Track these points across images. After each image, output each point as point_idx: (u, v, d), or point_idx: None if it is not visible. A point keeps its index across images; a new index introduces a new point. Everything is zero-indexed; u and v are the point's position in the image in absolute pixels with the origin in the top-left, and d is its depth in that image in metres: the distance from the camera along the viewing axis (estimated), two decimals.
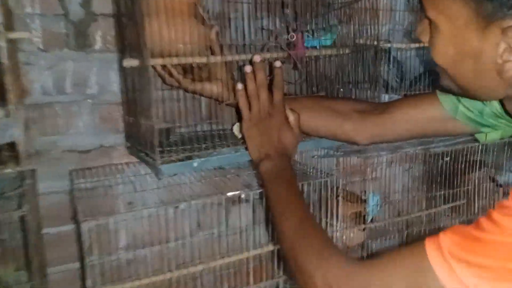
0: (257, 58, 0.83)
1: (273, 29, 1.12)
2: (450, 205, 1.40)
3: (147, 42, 0.77)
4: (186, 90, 0.96)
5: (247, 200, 1.26)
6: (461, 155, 1.39)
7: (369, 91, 1.07)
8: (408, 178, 1.52)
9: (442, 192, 1.42)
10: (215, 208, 1.23)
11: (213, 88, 0.91)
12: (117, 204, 1.04)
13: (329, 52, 1.02)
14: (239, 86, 0.84)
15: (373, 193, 1.28)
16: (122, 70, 1.02)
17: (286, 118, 0.85)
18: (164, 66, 0.91)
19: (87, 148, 1.08)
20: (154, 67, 0.94)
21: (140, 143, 0.91)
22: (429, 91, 1.12)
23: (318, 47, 0.99)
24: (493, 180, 1.45)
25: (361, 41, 1.07)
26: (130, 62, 0.87)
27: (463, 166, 1.43)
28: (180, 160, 0.81)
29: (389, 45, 1.04)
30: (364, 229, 1.23)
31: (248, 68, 0.84)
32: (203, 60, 0.86)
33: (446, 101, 0.80)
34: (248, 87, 0.84)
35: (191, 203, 0.83)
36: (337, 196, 0.96)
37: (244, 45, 1.04)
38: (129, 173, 1.08)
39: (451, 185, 1.44)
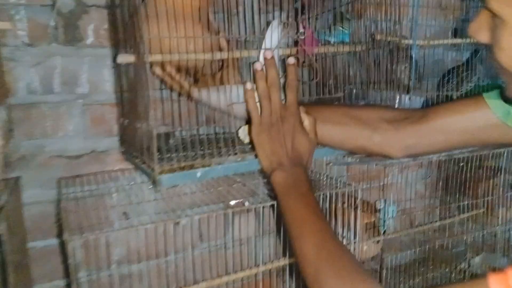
0: (268, 54, 0.73)
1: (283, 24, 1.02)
2: (468, 214, 1.31)
3: (144, 35, 0.67)
4: (188, 98, 0.87)
5: (251, 210, 1.16)
6: (477, 160, 1.30)
7: (385, 92, 0.98)
8: (425, 185, 1.42)
9: (460, 201, 1.33)
10: (217, 218, 1.13)
11: (214, 96, 0.82)
12: (110, 216, 0.95)
13: (343, 49, 0.93)
14: (248, 85, 0.74)
15: (387, 201, 1.19)
16: (116, 67, 0.93)
17: (301, 122, 0.76)
18: (164, 70, 0.82)
19: (77, 153, 0.98)
20: (153, 72, 0.85)
21: (136, 148, 0.82)
22: (471, 95, 1.03)
23: (333, 43, 0.90)
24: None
25: (378, 37, 0.98)
26: (125, 58, 0.77)
27: (480, 172, 1.34)
28: (181, 169, 0.71)
29: (410, 41, 0.95)
30: (378, 241, 1.13)
31: (258, 66, 0.74)
32: (208, 57, 0.77)
33: (497, 105, 0.70)
34: (258, 87, 0.73)
35: (193, 218, 0.73)
36: (356, 207, 0.86)
37: (252, 41, 0.94)
38: (124, 181, 0.99)
39: (468, 193, 1.35)
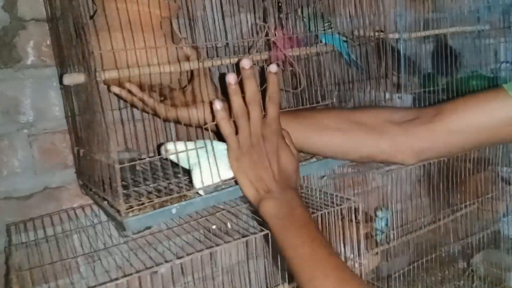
0: (246, 63, 0.60)
1: (252, 25, 0.92)
2: (462, 212, 1.24)
3: (94, 50, 0.55)
4: (164, 120, 0.75)
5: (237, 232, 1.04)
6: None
7: (372, 92, 0.88)
8: (412, 185, 1.35)
9: (451, 198, 1.26)
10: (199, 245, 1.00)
11: (193, 113, 0.70)
12: (71, 267, 0.81)
13: (326, 48, 0.83)
14: (217, 105, 0.60)
15: (381, 209, 1.10)
16: (65, 88, 0.79)
17: (283, 138, 0.65)
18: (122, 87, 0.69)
19: (27, 193, 0.83)
20: (109, 89, 0.73)
21: (96, 183, 0.68)
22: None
23: (316, 44, 0.80)
24: (505, 179, 1.30)
25: (358, 33, 0.89)
26: (73, 78, 0.64)
27: (468, 165, 1.28)
28: (153, 207, 0.59)
29: (396, 35, 0.86)
30: (377, 253, 1.04)
31: (231, 78, 0.59)
32: (174, 68, 0.65)
33: None
34: (233, 105, 0.60)
35: (174, 263, 0.60)
36: (357, 222, 0.76)
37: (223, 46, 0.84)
38: (86, 220, 0.85)
39: (459, 189, 1.28)
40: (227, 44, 0.97)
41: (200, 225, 0.90)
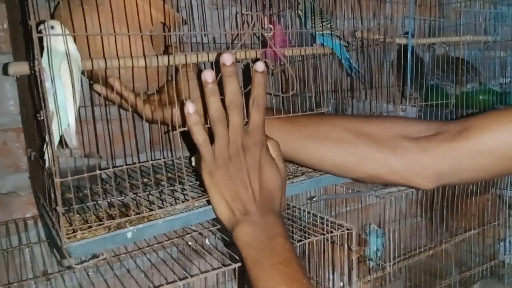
0: (227, 58, 0.49)
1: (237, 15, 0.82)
2: (460, 238, 1.15)
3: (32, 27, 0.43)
4: (148, 121, 0.65)
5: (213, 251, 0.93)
6: None
7: (373, 102, 0.78)
8: (408, 203, 1.25)
9: (450, 220, 1.16)
10: (173, 265, 0.89)
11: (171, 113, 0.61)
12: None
13: (323, 50, 0.73)
14: (190, 107, 0.49)
15: (373, 228, 1.00)
16: (18, 80, 0.68)
17: (268, 150, 0.54)
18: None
19: None
20: (93, 88, 0.65)
21: (43, 194, 0.57)
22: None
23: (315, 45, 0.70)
24: (508, 204, 1.21)
25: (360, 35, 0.79)
26: (18, 68, 0.53)
27: (470, 186, 1.18)
28: (104, 230, 0.48)
29: (404, 40, 0.76)
30: (369, 281, 0.94)
31: (209, 76, 0.49)
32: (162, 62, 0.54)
33: None
34: (209, 108, 0.50)
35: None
36: (349, 248, 0.66)
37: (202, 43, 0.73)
38: (40, 232, 0.74)
39: (460, 211, 1.19)
40: (214, 39, 0.87)
41: (172, 243, 0.80)
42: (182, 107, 0.50)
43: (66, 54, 0.46)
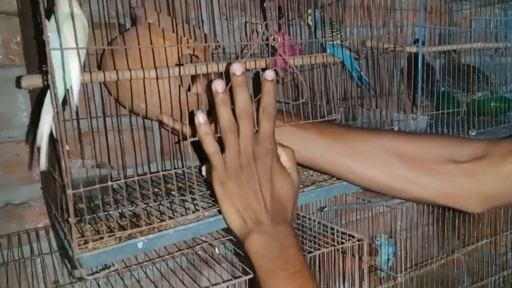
0: (237, 68, 0.49)
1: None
2: (473, 246, 1.13)
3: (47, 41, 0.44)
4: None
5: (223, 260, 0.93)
6: None
7: (383, 111, 0.78)
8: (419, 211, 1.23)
9: (461, 230, 1.15)
10: (182, 272, 0.89)
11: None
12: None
13: (333, 59, 0.73)
14: (200, 118, 0.49)
15: (384, 237, 0.99)
16: (31, 92, 0.69)
17: (279, 160, 0.54)
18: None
19: None
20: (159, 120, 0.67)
21: (55, 205, 0.58)
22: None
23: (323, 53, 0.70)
24: None
25: (370, 44, 0.79)
26: (32, 81, 0.54)
27: None
28: (116, 240, 0.48)
29: (414, 49, 0.76)
30: None
31: (219, 85, 0.49)
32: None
33: None
34: (220, 118, 0.50)
35: None
36: (360, 258, 0.65)
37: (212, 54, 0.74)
38: (52, 242, 0.74)
39: (470, 219, 1.17)
40: (224, 50, 0.87)
41: (182, 253, 0.80)
42: (192, 118, 0.51)
43: (71, 14, 0.45)
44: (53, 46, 0.43)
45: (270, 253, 0.48)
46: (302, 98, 0.60)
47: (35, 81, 0.54)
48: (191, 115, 0.51)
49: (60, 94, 0.46)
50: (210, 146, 0.50)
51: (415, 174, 0.58)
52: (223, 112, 0.50)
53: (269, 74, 0.51)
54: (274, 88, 0.51)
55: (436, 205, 0.66)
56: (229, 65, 0.51)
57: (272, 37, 0.68)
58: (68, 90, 0.47)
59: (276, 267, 0.47)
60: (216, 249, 0.90)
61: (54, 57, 0.44)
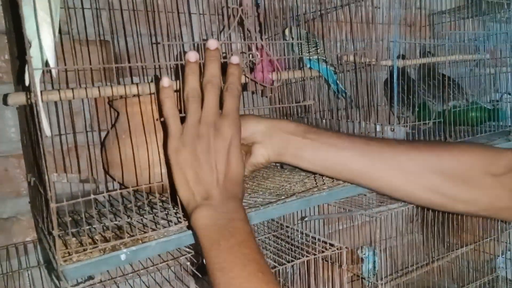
0: (212, 43, 0.52)
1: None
2: (456, 253, 1.15)
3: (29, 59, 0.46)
4: None
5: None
6: None
7: (362, 123, 0.81)
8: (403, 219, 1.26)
9: (444, 237, 1.17)
10: (167, 283, 0.91)
11: None
12: None
13: (310, 74, 0.76)
14: (165, 81, 0.50)
15: (369, 249, 1.01)
16: (19, 108, 0.71)
17: (240, 139, 0.52)
18: None
19: None
20: None
21: (42, 218, 0.60)
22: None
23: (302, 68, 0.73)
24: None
25: (346, 59, 0.82)
26: (16, 99, 0.56)
27: None
28: (99, 252, 0.50)
29: (390, 62, 0.79)
30: None
31: (192, 55, 0.51)
32: None
33: None
34: (186, 83, 0.50)
35: None
36: (341, 265, 0.67)
37: None
38: (40, 256, 0.76)
39: (453, 227, 1.20)
40: None
41: (167, 265, 0.82)
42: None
43: None
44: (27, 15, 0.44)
45: (216, 225, 0.47)
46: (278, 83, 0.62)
47: (21, 98, 0.56)
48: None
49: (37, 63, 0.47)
50: (169, 109, 0.50)
51: (457, 191, 0.58)
52: (190, 80, 0.51)
53: (235, 59, 0.53)
54: (239, 71, 0.54)
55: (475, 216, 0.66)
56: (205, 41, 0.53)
57: (250, 54, 0.71)
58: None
59: (221, 238, 0.46)
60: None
61: (29, 29, 0.45)
